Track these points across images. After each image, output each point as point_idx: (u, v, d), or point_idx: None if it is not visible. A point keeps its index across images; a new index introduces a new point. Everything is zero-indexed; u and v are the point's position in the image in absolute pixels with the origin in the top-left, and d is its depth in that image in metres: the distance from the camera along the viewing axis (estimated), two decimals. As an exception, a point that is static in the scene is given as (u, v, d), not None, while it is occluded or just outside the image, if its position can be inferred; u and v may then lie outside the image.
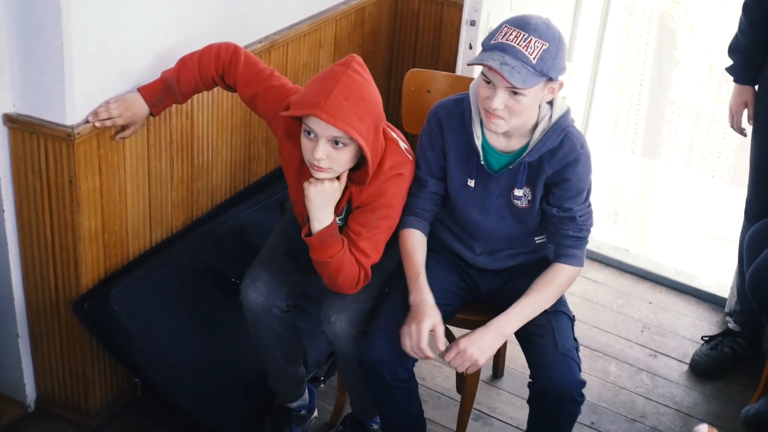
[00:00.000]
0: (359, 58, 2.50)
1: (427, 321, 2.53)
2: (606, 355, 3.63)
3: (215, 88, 2.86)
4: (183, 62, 2.72)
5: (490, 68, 2.40)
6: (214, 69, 2.72)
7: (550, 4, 3.73)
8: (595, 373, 3.52)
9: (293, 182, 2.69)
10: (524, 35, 2.41)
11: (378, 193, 2.60)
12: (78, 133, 2.57)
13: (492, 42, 2.45)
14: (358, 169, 2.56)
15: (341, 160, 2.48)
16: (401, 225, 2.71)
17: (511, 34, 2.42)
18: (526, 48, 2.40)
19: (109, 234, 2.81)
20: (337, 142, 2.43)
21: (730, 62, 3.41)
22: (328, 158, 2.45)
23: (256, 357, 2.96)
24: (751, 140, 3.44)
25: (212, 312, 3.05)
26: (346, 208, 2.65)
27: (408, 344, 2.54)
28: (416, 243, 2.69)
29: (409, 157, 2.67)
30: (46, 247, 2.75)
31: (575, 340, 2.66)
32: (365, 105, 2.44)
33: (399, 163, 2.62)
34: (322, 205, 2.52)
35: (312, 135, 2.44)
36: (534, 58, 2.40)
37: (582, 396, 2.59)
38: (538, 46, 2.41)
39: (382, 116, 2.54)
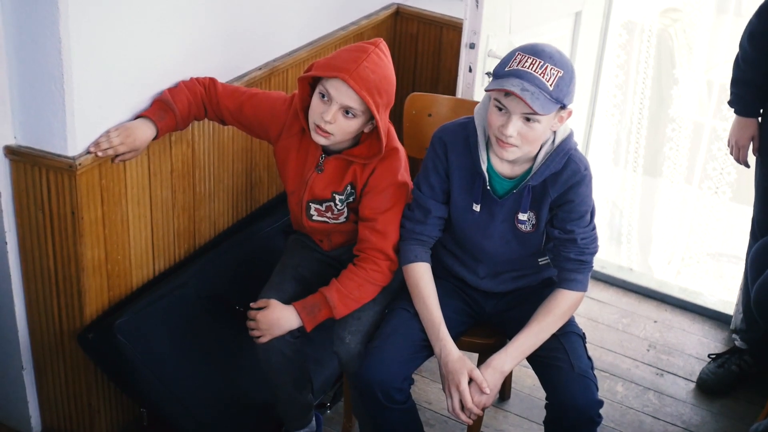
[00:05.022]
0: (385, 43, 2.63)
1: (463, 378, 2.55)
2: (612, 374, 3.62)
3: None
4: (169, 89, 2.78)
5: (512, 93, 2.40)
6: (199, 85, 2.80)
7: (549, 25, 3.73)
8: (602, 393, 3.48)
9: (293, 171, 2.77)
10: (540, 62, 2.41)
11: (380, 174, 2.68)
12: (80, 164, 2.57)
13: (507, 69, 2.45)
14: (356, 145, 2.69)
15: (346, 129, 2.60)
16: (407, 255, 2.70)
17: (526, 62, 2.42)
18: (542, 75, 2.41)
19: (112, 264, 2.80)
20: (348, 112, 2.55)
21: (729, 78, 3.33)
22: (336, 124, 2.56)
23: (262, 385, 2.95)
24: (756, 162, 3.41)
25: (217, 340, 3.04)
26: (349, 185, 2.70)
27: (454, 407, 2.57)
28: (427, 279, 2.69)
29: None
30: (49, 278, 2.75)
31: (589, 359, 2.65)
32: (386, 84, 2.59)
33: (391, 138, 2.73)
34: (278, 325, 2.67)
35: (326, 98, 2.55)
36: (551, 85, 2.41)
37: (600, 416, 2.57)
38: (553, 73, 2.42)
39: (393, 99, 2.65)
